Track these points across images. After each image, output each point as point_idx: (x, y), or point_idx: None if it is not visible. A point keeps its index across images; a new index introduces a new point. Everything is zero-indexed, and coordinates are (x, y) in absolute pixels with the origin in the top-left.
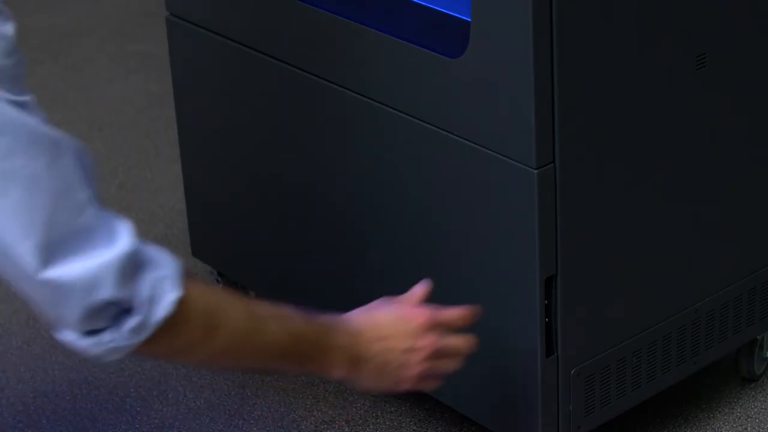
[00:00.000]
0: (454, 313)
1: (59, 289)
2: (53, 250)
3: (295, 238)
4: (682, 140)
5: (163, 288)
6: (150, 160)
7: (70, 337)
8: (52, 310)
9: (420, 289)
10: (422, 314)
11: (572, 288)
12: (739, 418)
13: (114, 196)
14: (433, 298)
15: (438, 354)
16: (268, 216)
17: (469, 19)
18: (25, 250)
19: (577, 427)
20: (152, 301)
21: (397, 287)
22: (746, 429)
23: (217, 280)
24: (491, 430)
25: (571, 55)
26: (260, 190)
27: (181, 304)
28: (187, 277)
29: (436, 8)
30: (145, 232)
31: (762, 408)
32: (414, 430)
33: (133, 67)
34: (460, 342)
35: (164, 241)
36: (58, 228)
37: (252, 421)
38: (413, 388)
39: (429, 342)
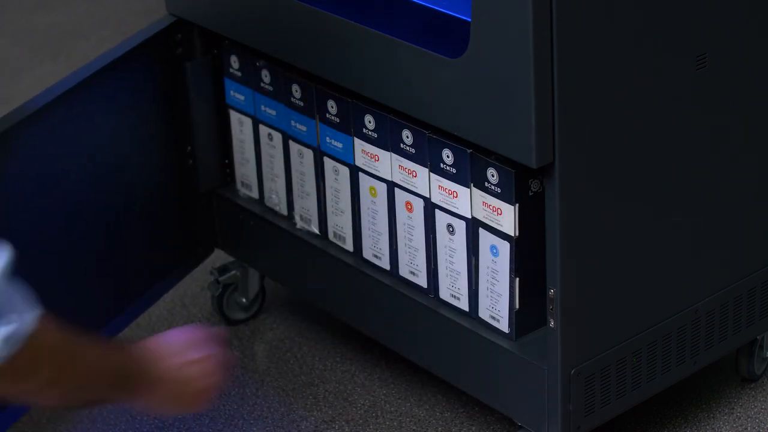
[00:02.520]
0: (211, 329)
1: None
2: None
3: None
4: (681, 140)
5: (28, 304)
6: None
7: None
8: None
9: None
10: (191, 331)
11: (572, 287)
12: (739, 418)
13: None
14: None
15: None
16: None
17: (469, 19)
18: None
19: (577, 427)
20: (22, 311)
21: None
22: (746, 429)
23: (217, 281)
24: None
25: (571, 55)
26: None
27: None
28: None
29: (436, 8)
30: None
31: (762, 408)
32: (414, 430)
33: None
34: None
35: None
36: None
37: (252, 421)
38: (204, 404)
39: (202, 355)
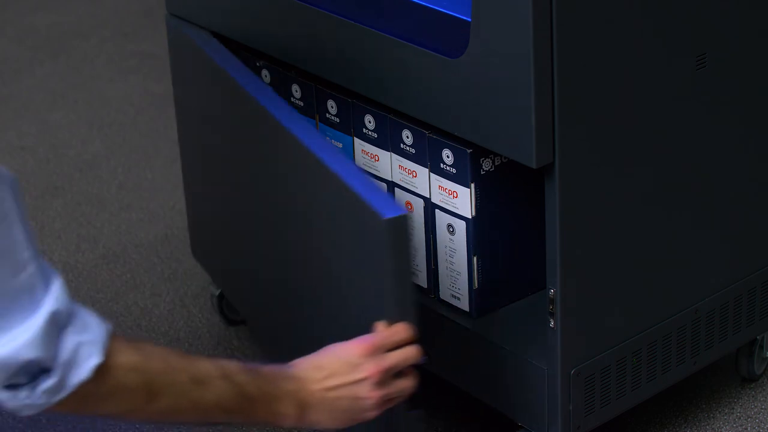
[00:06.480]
0: (388, 332)
1: None
2: None
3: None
4: (681, 140)
5: (85, 352)
6: (150, 160)
7: None
8: None
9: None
10: (358, 345)
11: (572, 287)
12: (739, 418)
13: (114, 196)
14: None
15: (388, 375)
16: (254, 221)
17: (469, 19)
18: None
19: (577, 427)
20: (71, 364)
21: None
22: (746, 429)
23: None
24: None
25: (571, 54)
26: (254, 191)
27: (108, 371)
28: (123, 342)
29: (436, 8)
30: (145, 232)
31: (762, 408)
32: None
33: (133, 67)
34: (405, 355)
35: (164, 241)
36: None
37: None
38: (378, 413)
39: (372, 368)
